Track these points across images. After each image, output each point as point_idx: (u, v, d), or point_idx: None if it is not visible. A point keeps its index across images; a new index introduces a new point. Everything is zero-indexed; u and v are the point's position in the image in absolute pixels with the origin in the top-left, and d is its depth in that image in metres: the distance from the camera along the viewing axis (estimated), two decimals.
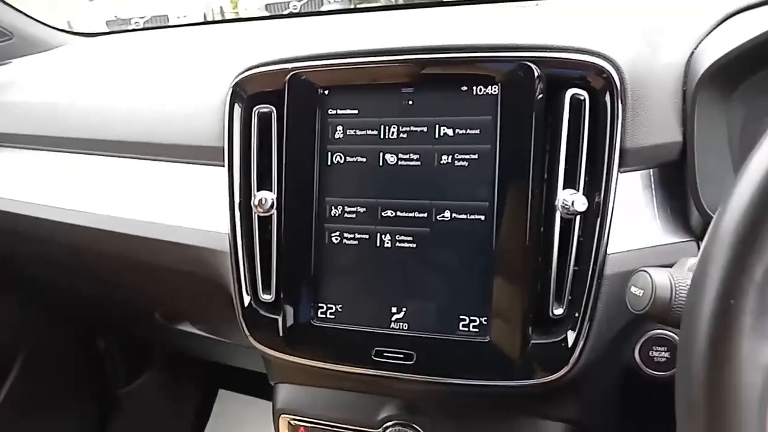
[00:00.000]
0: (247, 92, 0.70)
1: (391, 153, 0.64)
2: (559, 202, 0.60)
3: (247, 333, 0.71)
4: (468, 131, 0.62)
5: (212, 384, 1.70)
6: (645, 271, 0.48)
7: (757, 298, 0.35)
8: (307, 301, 0.67)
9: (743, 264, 0.35)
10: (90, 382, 1.46)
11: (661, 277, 0.46)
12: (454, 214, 0.63)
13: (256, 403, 1.62)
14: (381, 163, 0.65)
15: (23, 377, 1.26)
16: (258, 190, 0.69)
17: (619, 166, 0.60)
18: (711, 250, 0.37)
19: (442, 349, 0.63)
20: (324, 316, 0.67)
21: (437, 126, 0.63)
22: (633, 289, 0.49)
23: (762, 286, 0.35)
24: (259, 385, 0.93)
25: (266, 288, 0.70)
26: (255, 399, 1.63)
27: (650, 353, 0.62)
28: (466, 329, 0.63)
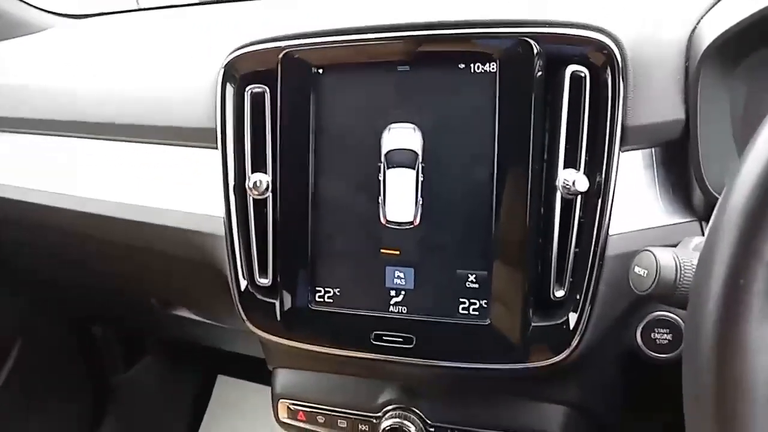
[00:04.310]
0: (239, 72, 0.69)
1: (387, 132, 0.63)
2: (559, 182, 0.58)
3: (244, 318, 0.70)
4: (466, 110, 0.61)
5: (211, 370, 1.70)
6: (649, 250, 0.46)
7: (767, 278, 0.34)
8: (304, 285, 0.66)
9: (752, 243, 0.34)
10: (87, 370, 1.46)
11: (665, 257, 0.45)
12: (452, 195, 0.62)
13: (255, 388, 1.62)
14: (377, 143, 0.63)
15: (20, 366, 1.25)
16: (252, 173, 0.68)
17: (621, 144, 0.58)
18: (718, 229, 0.36)
19: (441, 332, 0.62)
20: (322, 299, 0.66)
21: (434, 104, 0.62)
22: (636, 269, 0.48)
23: None
24: (258, 371, 0.92)
25: (263, 272, 0.69)
26: (254, 384, 1.63)
27: (652, 335, 0.61)
28: (466, 312, 0.62)
